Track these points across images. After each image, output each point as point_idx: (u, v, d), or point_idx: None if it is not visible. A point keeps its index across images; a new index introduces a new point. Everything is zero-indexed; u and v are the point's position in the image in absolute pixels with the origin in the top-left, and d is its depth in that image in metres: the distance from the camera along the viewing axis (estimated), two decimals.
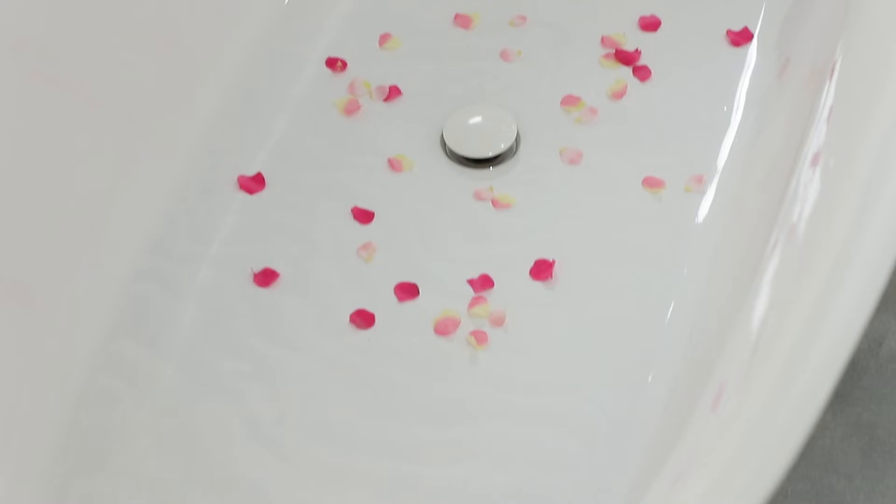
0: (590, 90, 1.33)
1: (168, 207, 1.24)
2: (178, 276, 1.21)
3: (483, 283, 1.20)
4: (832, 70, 1.01)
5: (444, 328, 1.17)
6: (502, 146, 1.29)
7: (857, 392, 1.28)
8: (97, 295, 1.16)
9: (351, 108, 1.33)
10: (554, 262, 1.21)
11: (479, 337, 1.17)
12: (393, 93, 1.34)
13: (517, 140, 1.30)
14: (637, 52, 1.35)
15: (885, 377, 1.29)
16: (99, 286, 1.16)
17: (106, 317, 1.16)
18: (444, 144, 1.30)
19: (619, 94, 1.32)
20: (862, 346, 1.30)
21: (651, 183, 1.26)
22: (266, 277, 1.21)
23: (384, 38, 1.39)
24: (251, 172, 1.28)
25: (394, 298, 1.20)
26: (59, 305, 1.12)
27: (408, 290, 1.20)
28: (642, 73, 1.34)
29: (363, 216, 1.25)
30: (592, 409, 1.13)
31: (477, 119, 1.31)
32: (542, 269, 1.20)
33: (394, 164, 1.29)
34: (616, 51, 1.35)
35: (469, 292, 1.20)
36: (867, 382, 1.28)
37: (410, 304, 1.20)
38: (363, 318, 1.18)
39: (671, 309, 1.18)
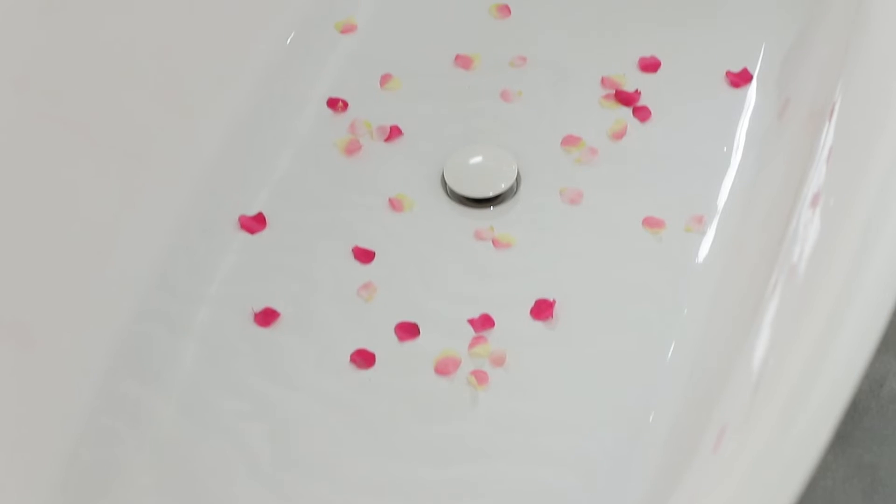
0: (590, 130, 1.33)
1: (169, 247, 1.24)
2: (179, 315, 1.21)
3: (483, 322, 1.20)
4: (832, 110, 1.02)
5: (444, 368, 1.17)
6: (503, 186, 1.29)
7: (858, 433, 1.27)
8: (98, 333, 1.16)
9: (352, 148, 1.34)
10: (554, 301, 1.21)
11: (480, 377, 1.17)
12: (394, 133, 1.35)
13: (517, 180, 1.30)
14: (637, 92, 1.36)
15: (887, 418, 1.28)
16: (100, 325, 1.16)
17: (107, 355, 1.15)
18: (444, 184, 1.30)
19: (619, 135, 1.33)
20: (863, 387, 1.30)
21: (651, 223, 1.26)
22: (266, 317, 1.21)
23: (385, 79, 1.39)
24: (252, 212, 1.28)
25: (394, 338, 1.20)
26: (59, 344, 1.12)
27: (408, 330, 1.20)
28: (642, 113, 1.34)
29: (364, 256, 1.25)
30: (593, 448, 1.12)
31: (477, 159, 1.31)
32: (542, 309, 1.20)
33: (394, 204, 1.29)
34: (616, 91, 1.36)
35: (469, 332, 1.20)
36: (868, 423, 1.28)
37: (411, 344, 1.20)
38: (363, 358, 1.18)
39: (672, 349, 1.18)
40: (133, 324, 1.19)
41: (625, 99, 1.35)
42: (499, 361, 1.18)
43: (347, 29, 1.43)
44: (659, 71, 1.38)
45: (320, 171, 1.32)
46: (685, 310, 1.20)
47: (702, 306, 1.19)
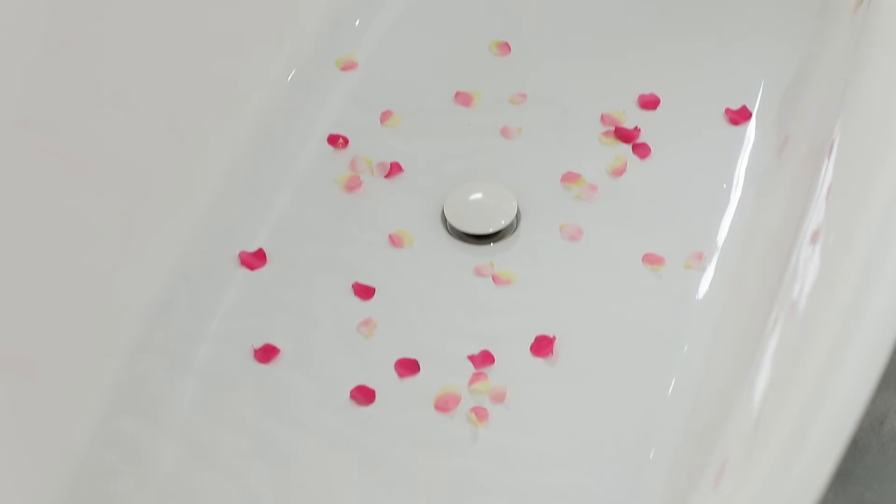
0: (590, 167, 1.34)
1: (169, 283, 1.24)
2: (179, 351, 1.21)
3: (484, 359, 1.20)
4: (831, 148, 1.02)
5: (444, 404, 1.17)
6: (503, 222, 1.29)
7: (858, 471, 1.27)
8: (98, 370, 1.16)
9: (352, 185, 1.34)
10: (555, 338, 1.21)
11: (480, 413, 1.16)
12: (394, 169, 1.35)
13: (518, 216, 1.30)
14: (636, 129, 1.36)
15: (887, 456, 1.28)
16: (100, 361, 1.16)
17: (107, 392, 1.15)
18: (444, 220, 1.30)
19: (618, 171, 1.33)
20: (863, 425, 1.29)
21: (651, 259, 1.26)
22: (266, 353, 1.21)
23: (385, 116, 1.40)
24: (252, 248, 1.28)
25: (394, 374, 1.20)
26: (59, 380, 1.12)
27: (408, 367, 1.20)
28: (642, 150, 1.35)
29: (364, 292, 1.25)
30: (594, 485, 1.12)
31: (477, 195, 1.31)
32: (542, 346, 1.20)
33: (394, 240, 1.29)
34: (616, 128, 1.36)
35: (470, 368, 1.20)
36: (869, 461, 1.28)
37: (411, 381, 1.19)
38: (363, 395, 1.18)
39: (672, 385, 1.18)
40: (133, 360, 1.19)
41: (624, 136, 1.36)
42: (499, 398, 1.17)
43: (348, 66, 1.44)
44: (658, 108, 1.38)
45: (321, 208, 1.33)
46: (685, 346, 1.20)
47: (702, 343, 1.19)
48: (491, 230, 1.29)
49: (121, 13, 1.22)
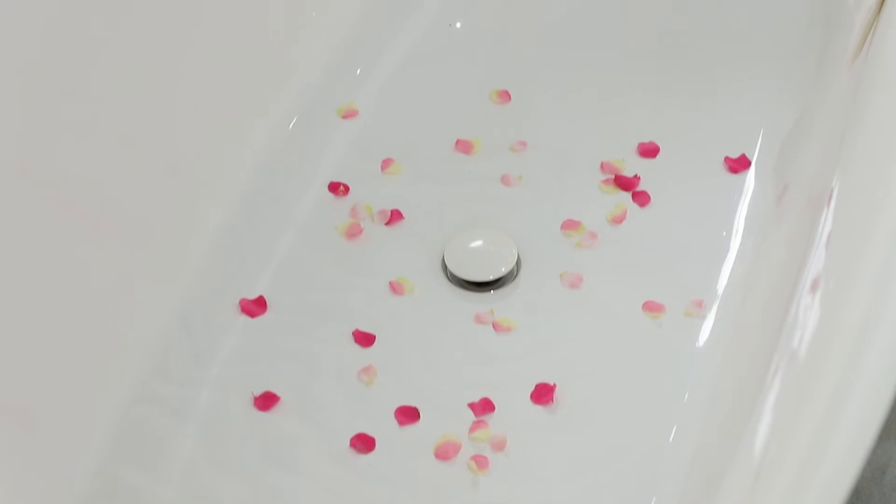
0: (590, 215, 1.34)
1: (170, 330, 1.24)
2: (179, 398, 1.21)
3: (484, 406, 1.20)
4: (830, 196, 1.02)
5: (444, 453, 1.17)
6: (503, 270, 1.29)
7: None
8: (98, 417, 1.15)
9: (353, 232, 1.34)
10: (555, 386, 1.20)
11: (480, 462, 1.16)
12: (394, 217, 1.35)
13: (518, 264, 1.30)
14: (636, 177, 1.36)
15: None
16: (100, 408, 1.16)
17: (106, 439, 1.15)
18: (445, 268, 1.30)
19: (618, 219, 1.34)
20: (865, 474, 1.29)
21: (651, 307, 1.26)
22: (266, 401, 1.21)
23: (386, 163, 1.40)
24: (253, 295, 1.28)
25: (394, 422, 1.19)
26: (59, 428, 1.11)
27: (408, 414, 1.20)
28: (641, 198, 1.35)
29: (364, 339, 1.25)
30: None
31: (478, 243, 1.32)
32: (543, 393, 1.20)
33: (395, 288, 1.29)
34: (615, 176, 1.37)
35: (470, 416, 1.19)
36: None
37: (411, 429, 1.19)
38: (363, 443, 1.18)
39: (673, 433, 1.17)
40: (133, 407, 1.18)
41: (624, 184, 1.36)
42: (499, 446, 1.17)
43: (349, 114, 1.45)
44: (658, 156, 1.39)
45: (321, 255, 1.33)
46: (686, 394, 1.20)
47: (703, 391, 1.19)
48: (491, 277, 1.29)
49: (122, 60, 1.23)
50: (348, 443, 1.18)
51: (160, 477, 1.15)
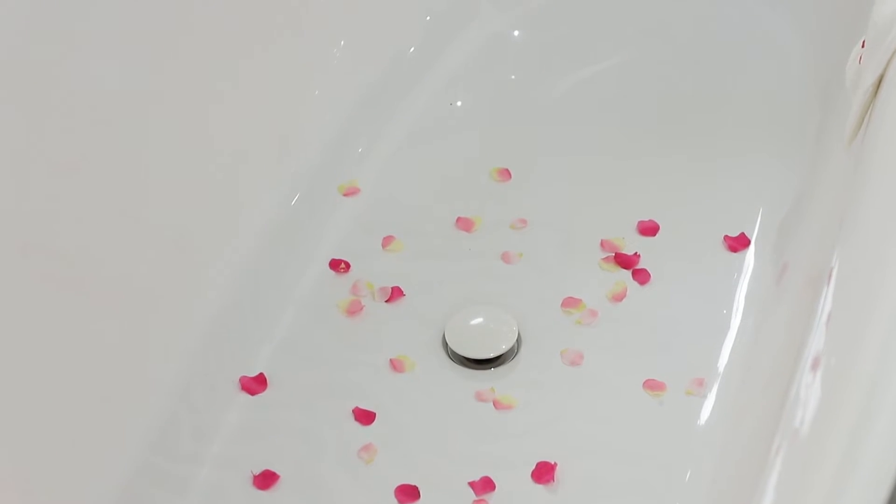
0: (590, 292, 1.34)
1: (169, 406, 1.23)
2: (179, 476, 1.20)
3: (484, 485, 1.19)
4: (830, 275, 1.03)
5: None
6: (503, 347, 1.29)
7: None
8: (95, 493, 1.15)
9: (353, 309, 1.35)
10: (556, 464, 1.20)
11: None
12: (395, 294, 1.36)
13: (518, 341, 1.30)
14: (636, 255, 1.37)
15: None
16: (99, 484, 1.15)
17: None
18: (445, 345, 1.30)
19: (618, 297, 1.34)
20: None
21: (652, 386, 1.26)
22: (266, 480, 1.20)
23: (387, 241, 1.41)
24: (253, 372, 1.28)
25: (394, 501, 1.19)
26: (57, 502, 1.11)
27: (408, 493, 1.19)
28: (642, 276, 1.35)
29: (364, 417, 1.25)
30: None
31: (478, 320, 1.32)
32: (544, 472, 1.20)
33: (395, 365, 1.29)
34: (616, 254, 1.37)
35: (470, 495, 1.19)
36: None
37: None
38: None
39: None
40: (131, 484, 1.18)
41: (624, 262, 1.36)
42: None
43: (350, 192, 1.45)
44: (658, 234, 1.39)
45: (322, 332, 1.33)
46: (688, 474, 1.19)
47: (704, 470, 1.18)
48: (492, 355, 1.29)
49: (126, 136, 1.24)
50: None
51: None
